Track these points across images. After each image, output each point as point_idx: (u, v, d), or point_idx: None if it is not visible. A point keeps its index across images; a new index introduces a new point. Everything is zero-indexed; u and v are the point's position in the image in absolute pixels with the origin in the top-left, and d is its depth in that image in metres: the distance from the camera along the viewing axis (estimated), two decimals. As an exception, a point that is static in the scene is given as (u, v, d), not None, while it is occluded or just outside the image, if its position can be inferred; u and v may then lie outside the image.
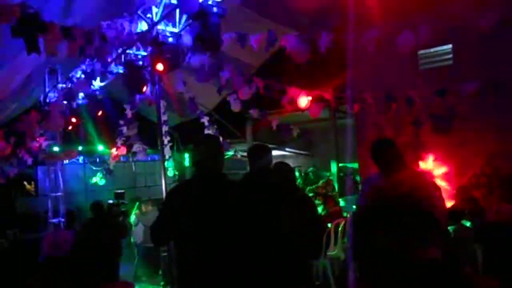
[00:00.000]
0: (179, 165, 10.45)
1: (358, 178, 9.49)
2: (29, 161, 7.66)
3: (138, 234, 7.51)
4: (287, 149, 12.24)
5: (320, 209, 6.55)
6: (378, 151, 3.06)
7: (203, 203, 2.50)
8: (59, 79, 6.77)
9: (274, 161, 3.40)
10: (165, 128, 7.19)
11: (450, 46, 5.82)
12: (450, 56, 5.84)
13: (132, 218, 7.57)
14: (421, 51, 5.97)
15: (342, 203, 7.52)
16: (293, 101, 5.66)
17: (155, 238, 2.69)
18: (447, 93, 5.14)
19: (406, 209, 2.48)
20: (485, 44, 4.84)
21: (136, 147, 6.97)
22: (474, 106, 5.31)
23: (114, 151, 8.20)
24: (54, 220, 8.31)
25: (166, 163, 6.18)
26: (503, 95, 5.07)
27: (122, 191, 9.52)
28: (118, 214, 6.58)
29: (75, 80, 6.06)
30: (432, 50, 5.91)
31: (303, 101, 5.50)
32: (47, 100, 6.72)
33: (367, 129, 6.60)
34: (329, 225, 5.88)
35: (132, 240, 7.58)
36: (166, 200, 2.75)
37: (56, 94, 6.53)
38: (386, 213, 2.46)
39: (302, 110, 5.97)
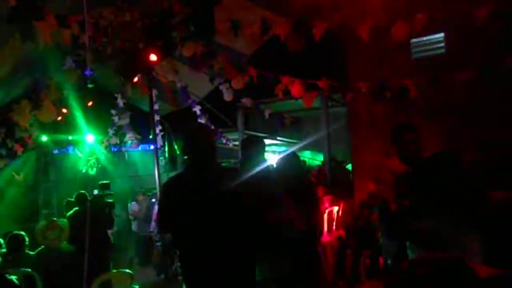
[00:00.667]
0: (170, 154, 10.41)
1: (349, 167, 9.55)
2: (19, 151, 7.56)
3: (134, 222, 7.56)
4: (278, 138, 12.26)
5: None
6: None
7: (198, 197, 2.46)
8: (50, 67, 6.65)
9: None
10: (157, 118, 7.15)
11: (442, 34, 5.83)
12: (442, 44, 5.87)
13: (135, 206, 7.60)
14: (414, 40, 5.98)
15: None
16: (287, 90, 5.65)
17: (160, 229, 2.71)
18: (440, 82, 5.17)
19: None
20: (478, 33, 4.86)
21: (129, 136, 6.92)
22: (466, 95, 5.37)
23: (105, 140, 8.14)
24: (45, 211, 8.27)
25: (158, 152, 6.15)
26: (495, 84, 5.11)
27: (107, 181, 9.45)
28: (103, 205, 6.51)
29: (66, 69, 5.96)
30: (425, 38, 5.92)
31: (297, 89, 5.49)
32: (38, 89, 6.60)
33: (360, 118, 6.62)
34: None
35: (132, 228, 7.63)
36: (162, 196, 2.74)
37: (47, 83, 6.41)
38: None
39: (295, 99, 5.97)
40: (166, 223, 2.62)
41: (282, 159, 4.13)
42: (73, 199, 6.12)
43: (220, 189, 2.49)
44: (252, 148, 3.47)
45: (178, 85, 6.78)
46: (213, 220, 2.44)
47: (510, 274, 1.54)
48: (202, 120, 7.68)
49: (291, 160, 3.95)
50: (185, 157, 2.64)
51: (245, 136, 5.40)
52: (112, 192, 8.57)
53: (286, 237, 2.95)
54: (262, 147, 3.56)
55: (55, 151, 9.52)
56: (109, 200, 7.14)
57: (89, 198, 5.94)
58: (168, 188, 2.68)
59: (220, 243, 2.42)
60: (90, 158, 9.51)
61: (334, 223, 6.50)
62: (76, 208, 5.71)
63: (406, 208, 2.64)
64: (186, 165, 2.69)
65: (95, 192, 8.63)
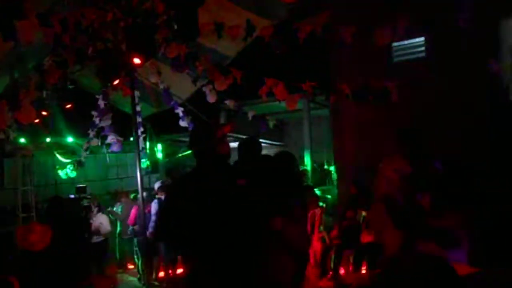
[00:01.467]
0: (152, 156, 10.31)
1: (332, 168, 9.63)
2: (-4, 153, 7.38)
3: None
4: (261, 140, 12.28)
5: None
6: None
7: (208, 200, 2.43)
8: (29, 67, 6.51)
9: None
10: (139, 119, 7.07)
11: (422, 38, 5.94)
12: (423, 48, 5.98)
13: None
14: (395, 43, 6.07)
15: (318, 192, 7.64)
16: (270, 92, 5.66)
17: (160, 235, 2.64)
18: (420, 85, 5.28)
19: None
20: (458, 38, 4.96)
21: (111, 138, 6.82)
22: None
23: (86, 142, 8.00)
24: (24, 215, 8.08)
25: (140, 154, 6.08)
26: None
27: (84, 185, 9.29)
28: (79, 209, 6.40)
29: (46, 69, 5.83)
30: (406, 42, 6.02)
31: (280, 92, 5.50)
32: (16, 90, 6.45)
33: (342, 120, 6.68)
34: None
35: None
36: (170, 198, 2.67)
37: (26, 83, 6.27)
38: None
39: (279, 101, 5.98)
40: (167, 228, 2.57)
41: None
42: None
43: (227, 195, 2.46)
44: (252, 150, 3.46)
45: (161, 86, 6.72)
46: (221, 225, 2.39)
47: (487, 272, 1.60)
48: (184, 122, 7.62)
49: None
50: (193, 156, 2.62)
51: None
52: (89, 196, 8.43)
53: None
54: (260, 149, 3.57)
55: (34, 153, 9.31)
56: (86, 204, 7.03)
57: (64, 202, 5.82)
58: (175, 191, 2.64)
59: (226, 248, 2.39)
60: (70, 161, 9.35)
61: (317, 225, 6.53)
62: (51, 213, 5.58)
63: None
64: (194, 166, 2.65)
65: (71, 196, 8.52)
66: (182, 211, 2.43)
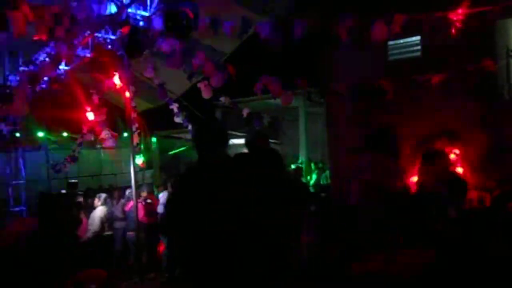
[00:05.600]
0: (146, 152, 10.26)
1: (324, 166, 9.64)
2: (-11, 147, 7.32)
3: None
4: (256, 137, 12.26)
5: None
6: None
7: (212, 193, 2.44)
8: (21, 61, 6.47)
9: (242, 150, 3.41)
10: (133, 115, 7.03)
11: (418, 37, 5.95)
12: (419, 47, 5.99)
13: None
14: (391, 42, 6.07)
15: (312, 190, 7.65)
16: (265, 89, 5.65)
17: (164, 229, 2.64)
18: (415, 84, 5.28)
19: None
20: (453, 36, 4.96)
21: (105, 133, 6.78)
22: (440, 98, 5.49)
23: (80, 137, 7.95)
24: (16, 209, 8.01)
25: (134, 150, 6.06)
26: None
27: (75, 181, 9.21)
28: (68, 206, 6.34)
29: (39, 63, 5.80)
30: (401, 41, 6.03)
31: (275, 88, 5.50)
32: (8, 84, 6.41)
33: (337, 118, 6.69)
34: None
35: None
36: (176, 192, 2.66)
37: (18, 78, 6.23)
38: None
39: (274, 98, 5.97)
40: (172, 222, 2.58)
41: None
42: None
43: (230, 188, 2.47)
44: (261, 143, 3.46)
45: (156, 82, 6.69)
46: (222, 217, 2.41)
47: None
48: (179, 118, 7.59)
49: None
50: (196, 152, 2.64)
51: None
52: (80, 192, 8.37)
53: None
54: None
55: (27, 148, 9.24)
56: (78, 200, 6.97)
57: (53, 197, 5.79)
58: (180, 185, 2.65)
59: (228, 242, 2.40)
60: (63, 155, 9.29)
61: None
62: (42, 207, 5.54)
63: None
64: (197, 160, 2.66)
65: (62, 191, 8.44)
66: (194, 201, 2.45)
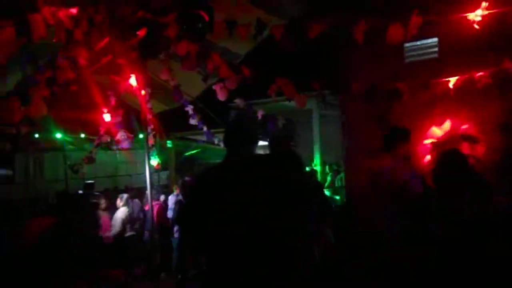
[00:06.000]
0: (162, 154, 10.34)
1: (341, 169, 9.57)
2: (8, 148, 7.47)
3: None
4: (270, 139, 12.25)
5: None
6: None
7: (220, 194, 2.44)
8: (40, 63, 6.57)
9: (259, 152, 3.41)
10: (149, 116, 7.09)
11: (436, 39, 5.87)
12: (436, 49, 5.91)
13: None
14: (407, 44, 6.01)
15: (327, 193, 7.61)
16: (280, 91, 5.64)
17: (184, 228, 2.64)
18: (432, 86, 5.22)
19: None
20: (471, 38, 4.89)
21: (120, 135, 6.86)
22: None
23: (96, 139, 8.06)
24: (34, 209, 8.17)
25: (150, 152, 6.12)
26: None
27: (92, 181, 9.30)
28: (86, 205, 6.44)
29: (57, 65, 5.88)
30: (418, 42, 5.96)
31: (290, 91, 5.48)
32: (27, 85, 6.52)
33: (353, 121, 6.64)
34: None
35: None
36: (195, 190, 2.66)
37: (37, 79, 6.33)
38: None
39: (288, 100, 5.96)
40: (192, 221, 2.59)
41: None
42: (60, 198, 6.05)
43: (253, 186, 2.46)
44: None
45: (171, 84, 6.74)
46: (244, 218, 2.40)
47: None
48: (194, 120, 7.64)
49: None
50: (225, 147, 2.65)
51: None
52: (97, 193, 8.47)
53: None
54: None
55: (46, 149, 9.42)
56: (94, 200, 7.06)
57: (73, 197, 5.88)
58: (201, 182, 2.64)
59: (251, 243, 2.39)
60: (81, 156, 9.43)
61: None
62: (59, 208, 5.64)
63: None
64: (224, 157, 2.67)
65: (79, 192, 8.54)
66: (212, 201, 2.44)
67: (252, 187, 2.45)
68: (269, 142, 3.50)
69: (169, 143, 12.10)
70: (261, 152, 3.40)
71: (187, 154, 14.38)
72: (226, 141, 2.64)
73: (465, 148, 5.44)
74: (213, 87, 6.19)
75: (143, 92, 5.27)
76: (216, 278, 2.46)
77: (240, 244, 2.40)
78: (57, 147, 10.57)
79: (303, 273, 3.39)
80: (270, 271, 2.44)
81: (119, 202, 7.39)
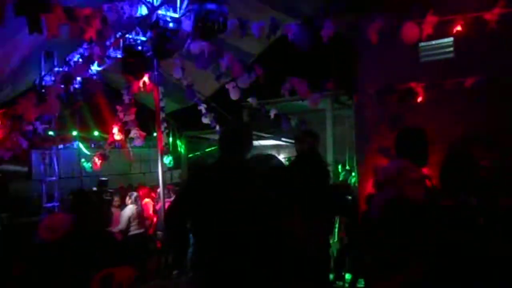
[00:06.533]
0: (175, 152, 10.40)
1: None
2: (24, 144, 7.58)
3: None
4: (283, 139, 12.24)
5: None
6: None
7: (224, 188, 2.50)
8: (56, 62, 6.67)
9: (269, 151, 3.42)
10: (162, 115, 7.14)
11: (451, 39, 5.77)
12: (451, 49, 5.81)
13: None
14: (422, 43, 5.92)
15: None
16: (293, 90, 5.63)
17: (170, 223, 2.71)
18: (448, 86, 5.15)
19: None
20: (488, 38, 4.80)
21: (133, 133, 6.92)
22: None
23: (110, 136, 8.15)
24: (48, 205, 8.27)
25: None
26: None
27: (106, 178, 9.39)
28: (100, 203, 6.49)
29: (72, 64, 5.98)
30: (433, 42, 5.87)
31: (303, 90, 5.47)
32: (43, 84, 6.63)
33: (366, 121, 6.58)
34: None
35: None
36: (187, 185, 2.72)
37: (53, 78, 6.44)
38: None
39: (301, 99, 5.94)
40: (179, 215, 2.64)
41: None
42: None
43: (244, 185, 2.53)
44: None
45: (184, 83, 6.77)
46: (232, 214, 2.45)
47: None
48: (207, 119, 7.66)
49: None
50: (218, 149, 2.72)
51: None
52: (110, 190, 8.54)
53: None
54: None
55: (61, 146, 9.55)
56: (107, 198, 7.11)
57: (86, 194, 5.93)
58: (193, 178, 2.70)
59: (238, 239, 2.45)
60: (94, 154, 9.54)
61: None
62: (74, 205, 5.69)
63: None
64: (217, 158, 2.72)
65: (94, 189, 8.64)
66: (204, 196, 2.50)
67: (251, 187, 2.52)
68: (295, 141, 3.54)
69: (181, 142, 12.17)
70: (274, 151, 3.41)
71: (199, 152, 14.44)
72: (221, 148, 2.68)
73: (477, 151, 5.34)
74: (226, 86, 6.21)
75: (156, 92, 5.31)
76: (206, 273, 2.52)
77: (241, 244, 2.45)
78: (71, 145, 10.73)
79: (317, 274, 3.38)
80: (270, 271, 2.51)
81: (128, 200, 7.46)
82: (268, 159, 3.32)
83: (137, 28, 5.00)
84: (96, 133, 10.33)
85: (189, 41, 5.07)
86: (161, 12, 4.62)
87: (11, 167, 10.16)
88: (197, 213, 2.53)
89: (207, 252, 2.52)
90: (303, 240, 2.86)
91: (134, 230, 7.44)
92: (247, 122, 6.66)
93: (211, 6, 4.01)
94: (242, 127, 2.86)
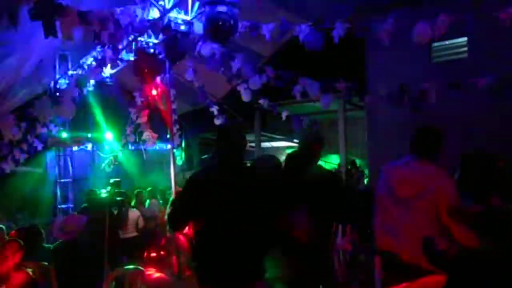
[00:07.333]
0: (187, 154, 10.45)
1: (366, 171, 9.45)
2: (39, 146, 7.70)
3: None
4: (295, 140, 12.22)
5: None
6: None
7: (224, 190, 2.56)
8: (70, 65, 6.77)
9: (282, 153, 3.43)
10: (174, 117, 7.18)
11: (465, 38, 5.72)
12: (465, 49, 5.76)
13: None
14: (435, 44, 5.88)
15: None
16: (304, 92, 5.62)
17: (173, 223, 2.76)
18: (461, 87, 5.08)
19: None
20: (502, 37, 4.75)
21: (146, 135, 6.98)
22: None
23: (123, 138, 8.24)
24: (63, 206, 8.38)
25: (175, 151, 6.18)
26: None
27: (118, 179, 9.46)
28: (112, 203, 6.53)
29: (86, 67, 6.06)
30: (447, 42, 5.82)
31: (315, 91, 5.45)
32: (58, 87, 6.73)
33: (378, 122, 6.54)
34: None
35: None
36: (188, 187, 2.75)
37: (67, 81, 6.53)
38: None
39: (313, 101, 5.92)
40: (181, 216, 2.70)
41: None
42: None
43: (243, 187, 2.60)
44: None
45: (196, 85, 6.81)
46: (233, 215, 2.52)
47: None
48: (219, 120, 7.69)
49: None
50: (217, 153, 2.77)
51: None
52: (123, 190, 8.62)
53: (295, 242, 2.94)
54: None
55: (75, 148, 9.67)
56: (119, 198, 7.15)
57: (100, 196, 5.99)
58: (194, 181, 2.75)
59: (236, 235, 2.52)
60: (108, 156, 9.64)
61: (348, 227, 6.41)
62: (85, 206, 5.77)
63: None
64: (216, 161, 2.77)
65: (108, 189, 8.69)
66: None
67: (249, 187, 2.60)
68: (302, 145, 3.53)
69: (194, 144, 12.22)
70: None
71: (211, 155, 14.50)
72: (218, 149, 2.74)
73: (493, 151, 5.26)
74: (238, 88, 6.22)
75: (169, 93, 5.35)
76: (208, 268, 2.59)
77: (238, 244, 2.52)
78: (85, 146, 10.85)
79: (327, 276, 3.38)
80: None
81: (138, 202, 7.52)
82: (269, 159, 3.39)
83: (149, 31, 5.06)
84: (109, 135, 10.43)
85: (200, 43, 5.10)
86: (172, 15, 4.65)
87: (26, 169, 10.29)
88: (199, 214, 2.59)
89: (210, 252, 2.55)
90: (303, 239, 2.90)
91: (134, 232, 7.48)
92: (236, 121, 6.67)
93: (222, 9, 4.02)
94: (230, 127, 2.95)
